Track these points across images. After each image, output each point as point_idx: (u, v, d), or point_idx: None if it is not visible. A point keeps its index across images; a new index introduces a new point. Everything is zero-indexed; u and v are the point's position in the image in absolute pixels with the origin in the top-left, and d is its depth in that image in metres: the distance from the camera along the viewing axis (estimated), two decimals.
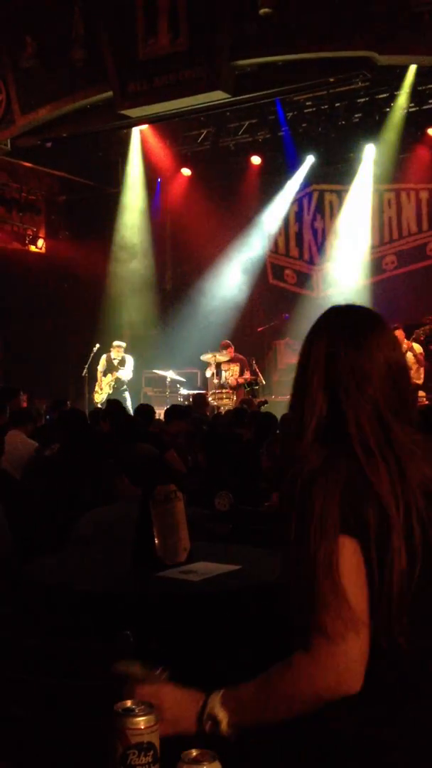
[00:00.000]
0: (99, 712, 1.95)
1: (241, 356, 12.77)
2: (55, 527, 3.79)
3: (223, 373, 12.61)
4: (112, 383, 12.79)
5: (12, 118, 11.10)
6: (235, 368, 12.62)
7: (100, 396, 12.73)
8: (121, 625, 2.33)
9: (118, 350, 12.96)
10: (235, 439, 6.32)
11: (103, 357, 12.94)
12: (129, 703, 1.53)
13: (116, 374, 12.81)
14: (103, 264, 14.53)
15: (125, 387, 12.95)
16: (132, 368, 12.98)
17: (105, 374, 12.91)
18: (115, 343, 13.08)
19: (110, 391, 12.71)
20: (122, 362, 12.88)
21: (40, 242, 14.97)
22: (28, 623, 2.70)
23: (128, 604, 2.62)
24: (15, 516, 3.76)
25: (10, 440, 6.55)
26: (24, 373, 13.26)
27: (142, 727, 1.48)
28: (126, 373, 12.86)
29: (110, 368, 12.91)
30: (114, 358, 12.91)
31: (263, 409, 10.12)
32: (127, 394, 12.84)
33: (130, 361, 12.99)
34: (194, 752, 1.44)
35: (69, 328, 14.64)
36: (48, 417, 9.26)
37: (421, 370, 10.83)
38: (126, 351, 13.24)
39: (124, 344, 13.14)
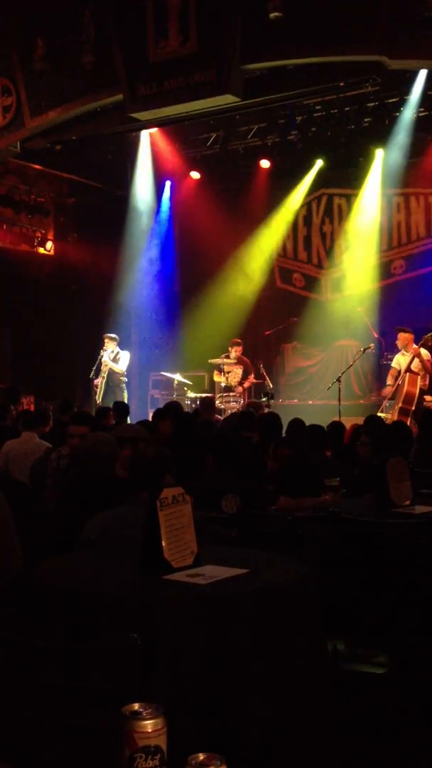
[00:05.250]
0: (105, 714, 1.95)
1: (245, 359, 12.77)
2: (65, 531, 3.78)
3: (226, 376, 12.63)
4: (105, 375, 12.63)
5: (22, 120, 11.13)
6: (238, 371, 12.60)
7: (99, 395, 12.65)
8: (128, 628, 2.33)
9: (109, 342, 12.78)
10: (242, 442, 6.31)
11: (101, 354, 12.79)
12: (136, 706, 1.53)
13: (109, 364, 12.61)
14: (111, 266, 14.55)
15: (123, 385, 12.82)
16: (127, 361, 12.82)
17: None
18: (107, 335, 12.93)
19: (104, 384, 12.56)
20: (116, 358, 12.74)
21: (49, 244, 15.01)
22: (35, 625, 2.70)
23: (135, 606, 2.61)
24: (24, 519, 3.76)
25: (23, 443, 6.58)
26: (32, 374, 13.29)
27: (150, 731, 1.48)
28: (119, 366, 12.69)
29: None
30: (111, 351, 12.73)
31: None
32: (125, 393, 12.77)
33: (124, 354, 12.84)
34: (201, 756, 1.44)
35: (77, 330, 14.66)
36: (54, 419, 9.24)
37: (427, 376, 10.81)
38: (133, 353, 13.19)
39: (115, 335, 12.96)
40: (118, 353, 12.78)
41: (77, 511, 3.95)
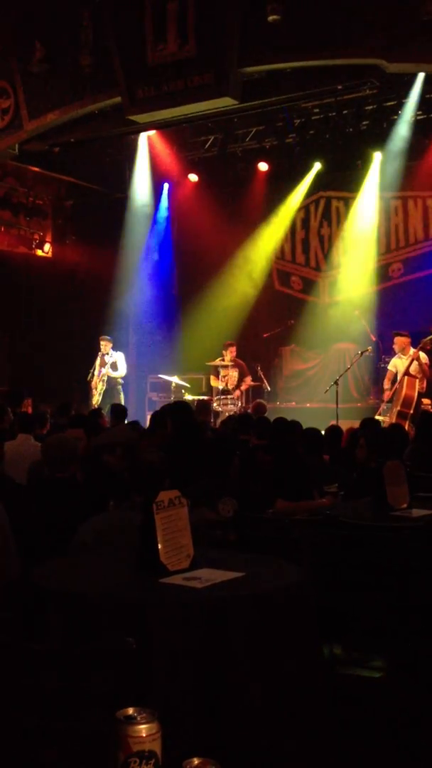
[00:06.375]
0: (100, 718, 1.94)
1: (241, 362, 12.75)
2: (59, 533, 3.77)
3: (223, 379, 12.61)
4: (104, 378, 12.62)
5: (20, 123, 11.13)
6: (234, 374, 12.59)
7: (96, 398, 12.63)
8: (124, 632, 2.32)
9: (106, 344, 12.75)
10: (240, 445, 6.31)
11: (98, 357, 12.79)
12: (131, 710, 1.52)
13: (108, 371, 12.59)
14: (109, 269, 14.54)
15: (120, 387, 12.80)
16: (125, 365, 12.82)
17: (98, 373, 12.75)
18: (102, 337, 12.91)
19: (104, 387, 12.58)
20: (114, 365, 12.70)
21: (47, 247, 15.00)
22: (31, 628, 2.69)
23: (131, 610, 2.61)
24: (19, 521, 3.75)
25: (19, 445, 6.59)
26: (29, 377, 13.27)
27: (144, 735, 1.47)
28: (119, 373, 12.69)
29: (103, 364, 12.75)
30: (104, 354, 12.73)
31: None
32: (122, 396, 12.75)
33: (121, 358, 12.83)
34: (196, 761, 1.44)
35: (74, 333, 14.65)
36: (52, 422, 9.25)
37: (425, 379, 10.80)
38: (131, 356, 13.15)
39: (110, 337, 12.91)
40: (115, 360, 12.74)
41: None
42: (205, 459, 5.11)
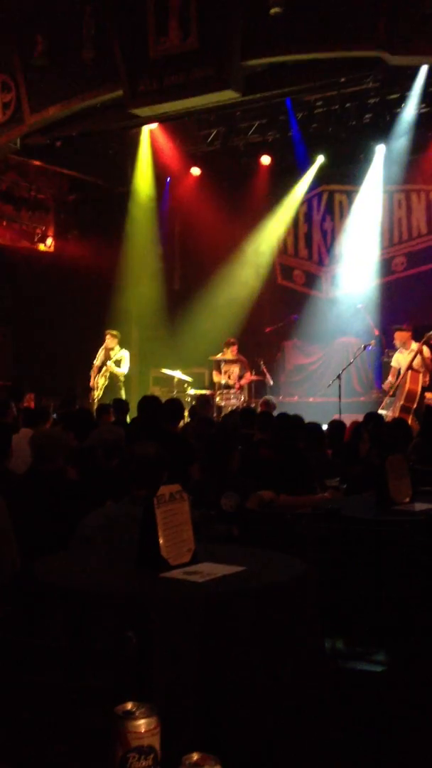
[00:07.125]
0: (100, 714, 1.93)
1: (242, 357, 12.74)
2: (61, 527, 3.77)
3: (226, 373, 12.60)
4: (107, 374, 12.51)
5: (22, 116, 11.12)
6: (235, 369, 12.57)
7: (98, 392, 12.54)
8: (124, 626, 2.31)
9: (111, 339, 12.58)
10: (242, 440, 6.30)
11: (101, 350, 12.65)
12: (129, 705, 1.51)
13: (112, 368, 12.46)
14: (112, 263, 14.53)
15: (120, 383, 12.71)
16: (128, 364, 12.68)
17: (100, 369, 12.63)
18: (109, 331, 12.71)
19: (106, 382, 12.48)
20: (118, 362, 12.57)
21: (49, 241, 14.99)
22: (31, 623, 2.69)
23: (132, 604, 2.60)
24: (20, 515, 3.75)
25: (21, 439, 6.58)
26: (32, 372, 13.28)
27: (143, 731, 1.47)
28: (122, 370, 12.61)
29: (107, 358, 12.63)
30: (109, 348, 12.61)
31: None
32: (122, 391, 12.70)
33: (126, 356, 12.72)
34: (195, 756, 1.43)
35: (77, 327, 14.65)
36: (55, 416, 9.25)
37: (428, 374, 10.77)
38: (134, 350, 13.10)
39: (117, 332, 12.68)
40: (120, 358, 12.61)
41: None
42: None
